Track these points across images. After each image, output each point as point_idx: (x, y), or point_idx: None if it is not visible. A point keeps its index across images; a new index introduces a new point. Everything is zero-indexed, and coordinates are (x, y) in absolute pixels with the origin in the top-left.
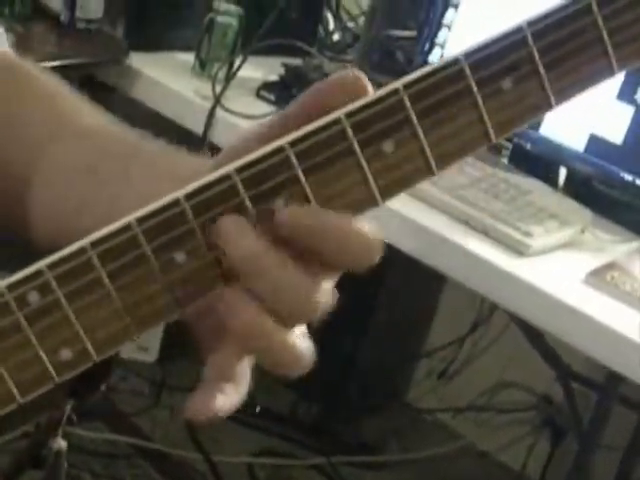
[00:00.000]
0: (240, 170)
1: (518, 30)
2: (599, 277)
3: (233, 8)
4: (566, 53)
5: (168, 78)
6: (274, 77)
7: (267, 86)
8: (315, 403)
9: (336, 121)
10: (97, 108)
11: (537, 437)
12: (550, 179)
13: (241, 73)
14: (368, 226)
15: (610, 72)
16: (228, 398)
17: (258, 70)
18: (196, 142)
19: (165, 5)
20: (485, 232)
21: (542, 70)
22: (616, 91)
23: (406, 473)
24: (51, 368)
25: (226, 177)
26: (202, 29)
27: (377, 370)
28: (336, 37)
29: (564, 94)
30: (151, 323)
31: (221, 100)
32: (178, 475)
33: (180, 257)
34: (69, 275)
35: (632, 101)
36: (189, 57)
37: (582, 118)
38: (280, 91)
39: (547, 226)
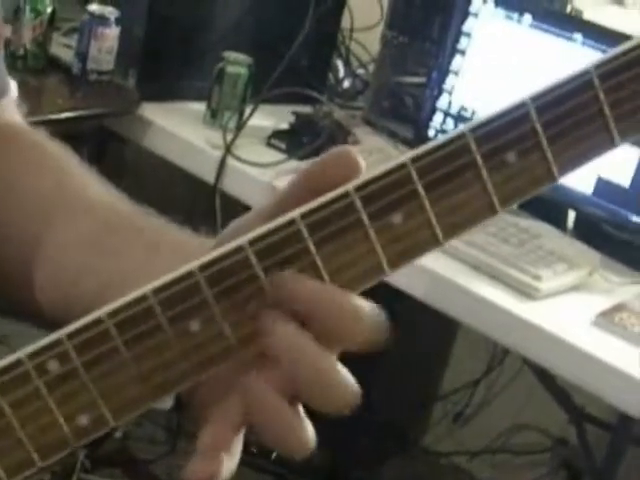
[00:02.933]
0: (253, 242)
1: (522, 105)
2: (608, 319)
3: (243, 57)
4: (568, 127)
5: (179, 128)
6: (284, 125)
7: (277, 134)
8: (330, 449)
9: (345, 194)
10: (103, 181)
11: (553, 479)
12: (559, 222)
13: (252, 122)
14: (374, 309)
15: (612, 144)
16: (223, 467)
17: (268, 118)
18: (207, 191)
19: (176, 56)
20: (495, 276)
21: (545, 144)
22: None
23: None
24: (69, 434)
25: (239, 249)
26: (212, 79)
27: (392, 414)
28: (346, 84)
29: (567, 166)
30: (167, 390)
31: (232, 149)
32: None
33: (195, 326)
34: (87, 344)
35: (639, 144)
36: (200, 106)
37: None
38: (290, 139)
39: (556, 269)
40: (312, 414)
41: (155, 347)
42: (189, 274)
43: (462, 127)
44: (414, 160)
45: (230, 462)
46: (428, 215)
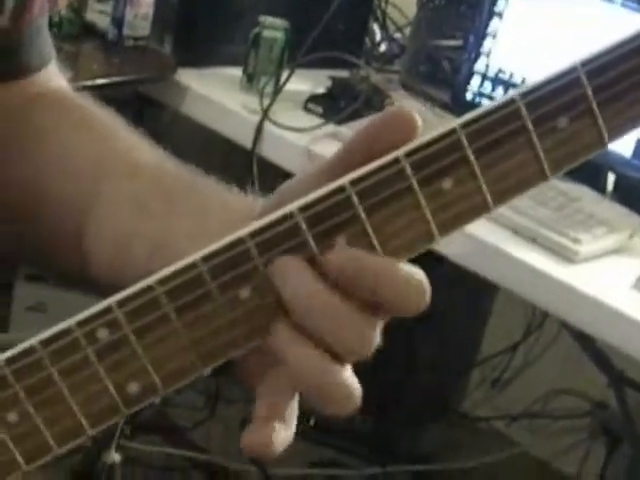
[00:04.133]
0: (303, 209)
1: (572, 70)
2: None
3: (279, 22)
4: (620, 91)
5: (216, 93)
6: (321, 90)
7: (314, 99)
8: (370, 414)
9: (395, 160)
10: (151, 144)
11: (593, 443)
12: (598, 185)
13: (288, 86)
14: (421, 275)
15: None
16: (280, 436)
17: (305, 83)
18: (244, 156)
19: (212, 21)
20: (534, 240)
21: (596, 109)
22: None
23: None
24: (119, 401)
25: (290, 215)
26: (248, 43)
27: (431, 380)
28: (383, 48)
29: (618, 131)
30: (216, 358)
31: (269, 114)
32: None
33: (244, 294)
34: (137, 312)
35: None
36: (237, 72)
37: None
38: (327, 103)
39: (595, 232)
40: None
41: (205, 315)
42: (239, 241)
43: (512, 93)
44: (464, 126)
45: (286, 432)
46: (479, 181)
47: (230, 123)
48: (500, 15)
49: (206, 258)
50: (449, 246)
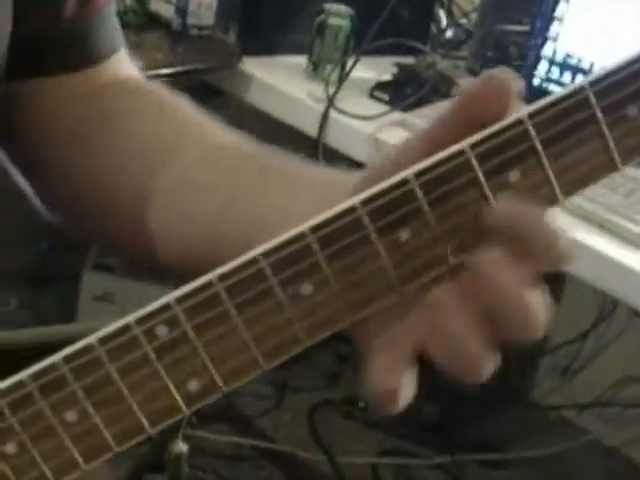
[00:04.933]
0: (365, 202)
1: None
2: None
3: (344, 9)
4: None
5: (281, 81)
6: (387, 77)
7: (380, 86)
8: (438, 402)
9: (461, 152)
10: (226, 127)
11: None
12: None
13: (354, 74)
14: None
15: None
16: (405, 382)
17: (371, 70)
18: (310, 144)
19: (276, 9)
20: (603, 226)
21: None
22: None
23: (531, 471)
24: (180, 399)
25: (350, 210)
26: (313, 31)
27: (500, 367)
28: (449, 34)
29: None
30: (279, 355)
31: (334, 102)
32: (302, 476)
33: (306, 289)
34: (196, 308)
35: None
36: (301, 60)
37: None
38: (394, 91)
39: None
40: (421, 369)
41: (267, 311)
42: (300, 236)
43: (581, 81)
44: (531, 116)
45: (405, 390)
46: (546, 172)
47: (295, 112)
48: None
49: (267, 253)
50: None
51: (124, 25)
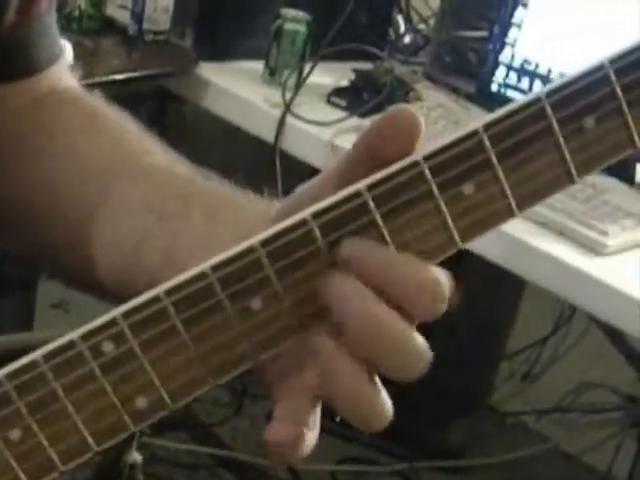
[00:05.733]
0: (317, 215)
1: (600, 68)
2: None
3: (301, 14)
4: None
5: (238, 87)
6: (345, 82)
7: (338, 92)
8: (396, 410)
9: (414, 164)
10: (162, 144)
11: (623, 437)
12: (626, 177)
13: (311, 79)
14: (444, 275)
15: None
16: (305, 439)
17: (328, 76)
18: (267, 150)
19: (233, 14)
20: (561, 233)
21: (625, 108)
22: None
23: (491, 477)
24: (127, 417)
25: (302, 223)
26: (270, 37)
27: (459, 374)
28: (407, 40)
29: None
30: (227, 371)
31: (291, 107)
32: None
33: (256, 305)
34: (143, 324)
35: None
36: (258, 65)
37: None
38: (351, 96)
39: (624, 224)
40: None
41: (215, 326)
42: (250, 249)
43: (537, 91)
44: (487, 127)
45: (310, 435)
46: (502, 185)
47: (252, 117)
48: (525, 5)
49: (216, 267)
50: (475, 240)
51: (80, 31)
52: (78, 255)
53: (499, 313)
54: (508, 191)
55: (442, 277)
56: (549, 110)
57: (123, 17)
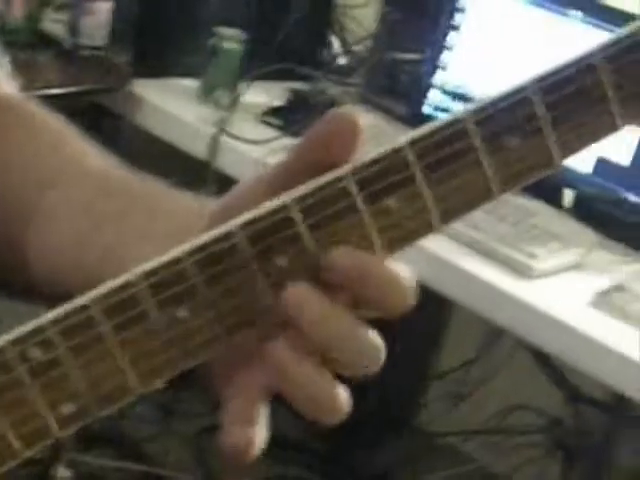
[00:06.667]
0: (244, 226)
1: (523, 88)
2: (605, 299)
3: (236, 33)
4: (571, 110)
5: (172, 104)
6: (279, 102)
7: (272, 111)
8: (324, 432)
9: (340, 178)
10: (100, 150)
11: (549, 459)
12: (555, 201)
13: (246, 98)
14: (407, 270)
15: (613, 128)
16: (258, 437)
17: (263, 95)
18: (201, 168)
19: (169, 31)
20: (489, 255)
21: (547, 128)
22: None
23: None
24: (53, 422)
25: (230, 234)
26: (206, 55)
27: (386, 395)
28: (342, 61)
29: (568, 151)
30: (153, 378)
31: (225, 126)
32: None
33: (183, 312)
34: (71, 330)
35: None
36: (193, 83)
37: None
38: (285, 116)
39: (551, 248)
40: None
41: (142, 334)
42: (178, 259)
43: (461, 110)
44: (412, 143)
45: (259, 434)
46: (425, 200)
47: (186, 135)
48: (457, 28)
49: (144, 276)
50: (403, 260)
51: (16, 44)
52: (13, 261)
53: (427, 333)
54: (431, 205)
55: (407, 271)
56: (472, 128)
57: (59, 31)
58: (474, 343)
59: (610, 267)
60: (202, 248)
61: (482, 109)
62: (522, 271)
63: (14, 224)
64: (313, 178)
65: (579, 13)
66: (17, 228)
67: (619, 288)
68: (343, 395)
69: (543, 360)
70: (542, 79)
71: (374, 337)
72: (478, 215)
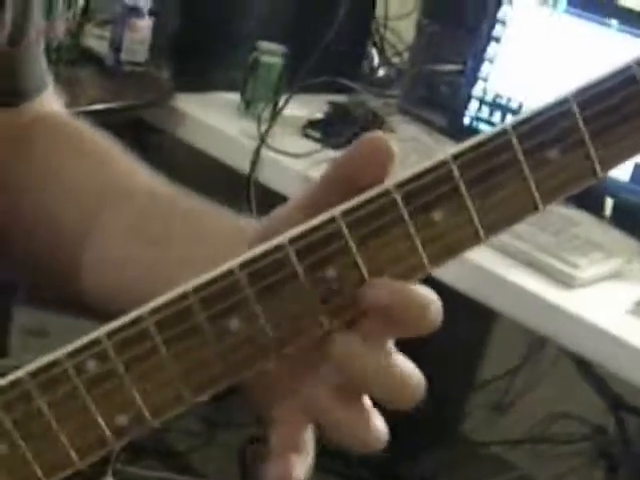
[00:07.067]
0: (293, 241)
1: (564, 101)
2: None
3: (277, 47)
4: (611, 123)
5: (214, 118)
6: (319, 115)
7: (312, 124)
8: None
9: (387, 192)
10: (146, 168)
11: (592, 468)
12: (596, 210)
13: (286, 112)
14: (434, 295)
15: None
16: (299, 468)
17: (303, 108)
18: (243, 182)
19: (209, 46)
20: (532, 264)
21: (588, 140)
22: None
23: None
24: (108, 433)
25: (280, 247)
26: (246, 69)
27: (431, 404)
28: (381, 73)
29: (610, 162)
30: (206, 390)
31: (266, 139)
32: None
33: (234, 325)
34: (126, 343)
35: None
36: (234, 97)
37: None
38: (325, 129)
39: (593, 257)
40: None
41: (194, 346)
42: (229, 272)
43: (504, 123)
44: (455, 157)
45: (304, 461)
46: (469, 213)
47: (228, 149)
48: (498, 40)
49: (197, 289)
50: (446, 271)
51: (57, 61)
52: (67, 277)
53: (471, 343)
54: (475, 218)
55: (429, 293)
56: (515, 142)
57: (101, 47)
58: (518, 351)
59: None
60: (253, 261)
61: (523, 122)
62: (564, 281)
63: (66, 242)
64: (348, 199)
65: (616, 22)
66: (72, 248)
67: None
68: (381, 429)
69: (586, 369)
70: (582, 92)
71: (410, 372)
72: (520, 225)
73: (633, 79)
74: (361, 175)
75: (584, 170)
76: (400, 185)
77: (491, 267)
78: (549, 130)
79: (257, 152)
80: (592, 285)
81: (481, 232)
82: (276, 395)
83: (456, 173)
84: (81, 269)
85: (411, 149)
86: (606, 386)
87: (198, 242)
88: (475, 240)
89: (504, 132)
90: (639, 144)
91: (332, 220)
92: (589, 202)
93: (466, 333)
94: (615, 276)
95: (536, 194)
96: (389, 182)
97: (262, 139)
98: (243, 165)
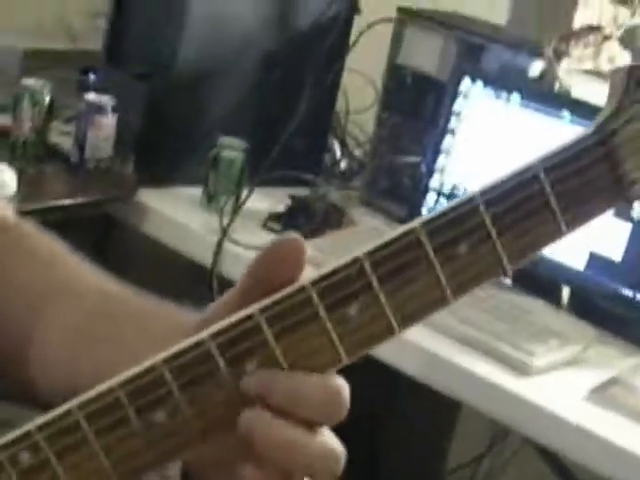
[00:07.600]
0: (215, 336)
1: (471, 199)
2: (601, 393)
3: (237, 142)
4: (517, 219)
5: (176, 212)
6: (281, 208)
7: (274, 217)
8: None
9: (302, 288)
10: (94, 268)
11: None
12: (553, 298)
13: (248, 205)
14: (340, 381)
15: (559, 234)
16: None
17: (265, 202)
18: (205, 275)
19: (172, 141)
20: (489, 353)
21: (495, 235)
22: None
23: None
24: None
25: (200, 343)
26: (208, 164)
27: None
28: (343, 165)
29: (517, 256)
30: (134, 477)
31: (229, 232)
32: None
33: (160, 416)
34: (57, 435)
35: (629, 218)
36: (197, 191)
37: (581, 237)
38: (286, 222)
39: (550, 345)
40: None
41: (123, 437)
42: (152, 367)
43: (413, 222)
44: (368, 254)
45: None
46: (383, 306)
47: (191, 242)
48: (453, 132)
49: (123, 383)
50: (404, 360)
51: (23, 157)
52: (17, 373)
53: (434, 433)
54: (389, 312)
55: (341, 384)
56: (425, 238)
57: (66, 143)
58: (483, 440)
59: (607, 361)
60: (176, 356)
61: (433, 220)
62: (521, 369)
63: (13, 345)
64: (268, 296)
65: (568, 113)
66: (17, 349)
67: (615, 382)
68: None
69: (549, 456)
70: (488, 190)
71: (326, 444)
72: (476, 313)
73: (536, 178)
74: (275, 276)
75: (493, 263)
76: (315, 282)
77: (448, 356)
78: (457, 227)
79: (219, 245)
80: (549, 372)
81: (394, 324)
82: (222, 475)
83: (368, 269)
84: (29, 363)
85: (372, 240)
86: (570, 474)
87: (146, 340)
88: (390, 332)
89: (414, 230)
90: (545, 238)
91: (250, 317)
92: (546, 290)
93: (432, 421)
94: (572, 363)
95: (447, 287)
96: (305, 279)
97: (224, 232)
98: (206, 258)
